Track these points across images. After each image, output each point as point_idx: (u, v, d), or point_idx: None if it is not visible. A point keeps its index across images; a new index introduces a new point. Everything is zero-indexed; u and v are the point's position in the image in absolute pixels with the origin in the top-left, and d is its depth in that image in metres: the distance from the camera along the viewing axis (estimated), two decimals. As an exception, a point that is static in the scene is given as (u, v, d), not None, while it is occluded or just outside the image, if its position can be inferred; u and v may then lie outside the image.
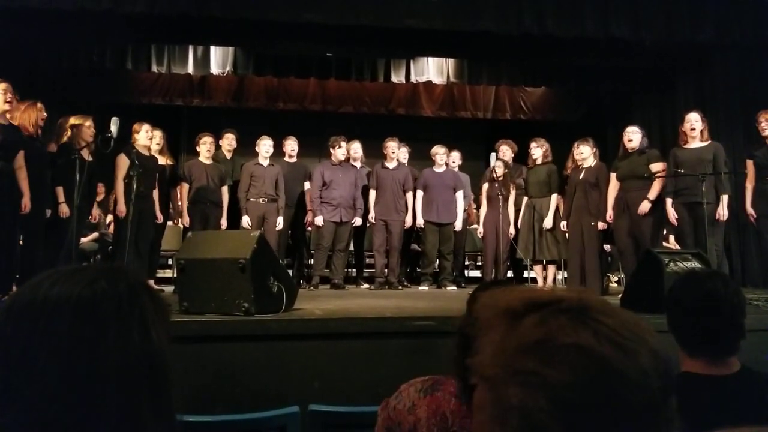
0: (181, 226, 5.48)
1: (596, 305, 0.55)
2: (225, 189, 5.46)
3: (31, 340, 0.57)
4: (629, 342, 0.52)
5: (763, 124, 4.66)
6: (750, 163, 4.74)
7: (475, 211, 6.91)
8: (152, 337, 0.60)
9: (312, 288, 5.48)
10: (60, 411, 0.55)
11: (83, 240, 5.69)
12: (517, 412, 0.52)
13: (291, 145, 5.96)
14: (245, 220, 5.48)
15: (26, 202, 3.90)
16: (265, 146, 5.64)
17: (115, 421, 0.56)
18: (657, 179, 4.62)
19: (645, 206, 4.59)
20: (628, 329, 0.53)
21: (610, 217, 4.85)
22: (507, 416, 0.52)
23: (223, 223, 5.39)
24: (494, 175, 5.66)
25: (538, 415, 0.50)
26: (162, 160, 5.27)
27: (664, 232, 5.54)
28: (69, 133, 4.38)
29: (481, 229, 5.84)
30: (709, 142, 4.61)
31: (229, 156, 5.83)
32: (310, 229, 6.13)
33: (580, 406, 0.50)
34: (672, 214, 4.57)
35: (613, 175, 4.90)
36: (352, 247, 6.22)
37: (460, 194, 5.91)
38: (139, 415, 0.58)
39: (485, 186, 5.86)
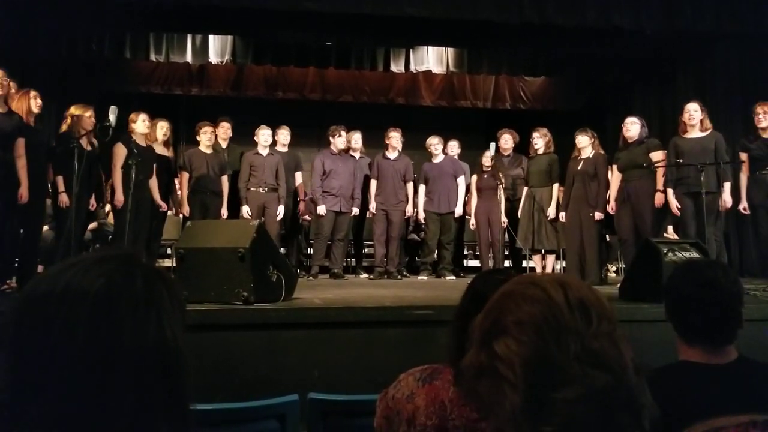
0: (181, 216, 5.47)
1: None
2: (225, 178, 5.45)
3: (48, 332, 0.57)
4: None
5: (760, 116, 4.64)
6: (745, 156, 4.73)
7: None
8: (167, 332, 0.61)
9: (311, 277, 5.49)
10: (75, 404, 0.56)
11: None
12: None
13: (284, 135, 5.92)
14: (245, 210, 5.48)
15: (23, 192, 3.89)
16: (264, 135, 5.62)
17: (131, 414, 0.57)
18: (658, 169, 4.61)
19: (659, 199, 4.59)
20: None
21: (612, 208, 4.85)
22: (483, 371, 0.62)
23: (224, 212, 5.38)
24: (483, 166, 5.69)
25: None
26: (164, 152, 5.25)
27: (663, 222, 5.54)
28: (69, 121, 4.36)
29: (473, 219, 5.85)
30: (710, 131, 4.60)
31: (224, 145, 5.80)
32: (308, 218, 6.13)
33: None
34: (674, 204, 4.56)
35: (614, 167, 4.90)
36: (351, 237, 6.23)
37: (461, 180, 5.91)
38: (154, 408, 0.58)
39: (473, 177, 5.87)
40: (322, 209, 5.57)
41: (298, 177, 5.97)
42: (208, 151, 5.39)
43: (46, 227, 4.96)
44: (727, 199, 4.45)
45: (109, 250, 0.67)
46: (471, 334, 0.66)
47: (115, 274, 0.61)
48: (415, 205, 5.86)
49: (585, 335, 0.59)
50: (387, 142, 5.88)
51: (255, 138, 5.69)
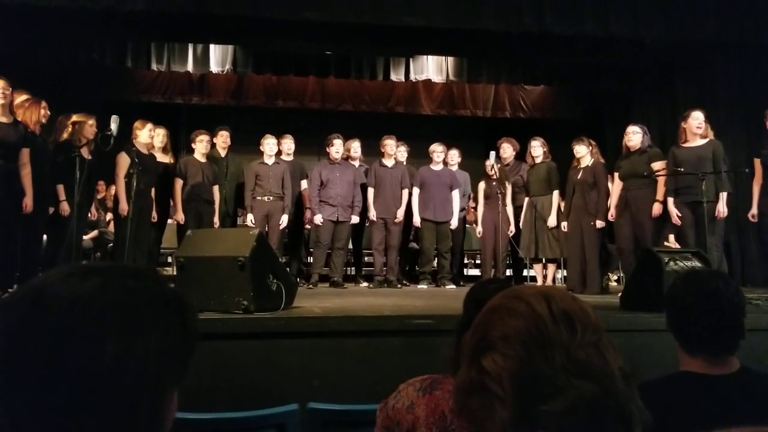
0: (178, 222, 5.45)
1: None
2: (217, 188, 5.46)
3: (29, 338, 0.55)
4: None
5: None
6: (757, 162, 4.70)
7: (473, 210, 6.90)
8: (150, 347, 0.57)
9: (311, 286, 5.48)
10: (45, 414, 0.54)
11: (84, 238, 5.68)
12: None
13: (288, 144, 5.95)
14: (249, 218, 5.49)
15: (27, 201, 3.89)
16: (269, 145, 5.65)
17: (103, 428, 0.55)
18: (659, 178, 4.61)
19: (657, 209, 4.58)
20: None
21: (612, 216, 4.85)
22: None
23: (216, 221, 5.38)
24: (489, 174, 5.68)
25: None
26: (164, 159, 5.26)
27: (664, 231, 5.54)
28: (70, 129, 4.37)
29: (479, 228, 5.84)
30: (708, 140, 4.60)
31: (223, 154, 5.81)
32: (308, 227, 6.13)
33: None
34: (675, 213, 4.54)
35: (616, 174, 4.90)
36: (351, 246, 6.22)
37: (456, 192, 5.91)
38: (127, 424, 0.56)
39: (481, 185, 5.87)
40: (318, 218, 5.57)
41: (304, 184, 5.98)
42: (203, 159, 5.40)
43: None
44: (722, 209, 4.43)
45: (105, 263, 0.65)
46: (462, 350, 0.67)
47: (111, 283, 0.59)
48: (411, 212, 5.84)
49: (570, 346, 0.59)
50: (382, 150, 5.89)
51: (260, 147, 5.70)
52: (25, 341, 0.55)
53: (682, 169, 4.47)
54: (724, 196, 4.45)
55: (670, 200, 4.57)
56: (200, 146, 5.39)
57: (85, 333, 0.56)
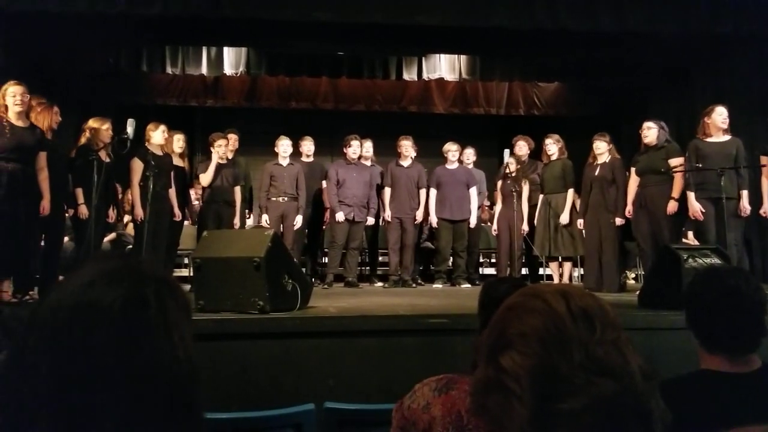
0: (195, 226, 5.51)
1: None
2: (238, 189, 5.51)
3: (58, 347, 0.56)
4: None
5: None
6: (765, 159, 4.63)
7: (487, 208, 6.86)
8: (175, 344, 0.60)
9: (326, 286, 5.50)
10: (82, 423, 0.55)
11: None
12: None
13: (307, 146, 6.00)
14: (264, 219, 5.54)
15: (45, 204, 3.95)
16: (283, 146, 5.69)
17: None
18: (676, 174, 4.54)
19: (672, 206, 4.51)
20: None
21: (629, 213, 4.79)
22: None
23: (236, 222, 5.43)
24: (507, 172, 5.63)
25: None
26: (178, 162, 5.31)
27: (683, 228, 5.46)
28: (87, 134, 4.44)
29: (495, 226, 5.80)
30: (730, 136, 4.53)
31: (231, 156, 5.86)
32: (325, 227, 6.16)
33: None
34: (696, 207, 4.43)
35: (632, 170, 4.84)
36: (365, 245, 6.23)
37: (473, 191, 5.88)
38: (165, 424, 0.58)
39: (499, 183, 5.83)
40: (340, 216, 5.60)
41: (325, 185, 6.00)
42: (222, 161, 5.45)
43: (66, 238, 5.03)
44: (745, 206, 4.37)
45: (114, 260, 0.65)
46: (478, 349, 0.67)
47: (120, 284, 0.60)
48: (426, 212, 5.83)
49: (588, 343, 0.59)
50: (399, 151, 5.90)
51: (275, 148, 5.74)
52: (67, 351, 0.56)
53: (700, 165, 4.40)
54: (745, 193, 4.39)
55: (691, 195, 4.47)
56: (219, 150, 5.45)
57: (118, 339, 0.57)
